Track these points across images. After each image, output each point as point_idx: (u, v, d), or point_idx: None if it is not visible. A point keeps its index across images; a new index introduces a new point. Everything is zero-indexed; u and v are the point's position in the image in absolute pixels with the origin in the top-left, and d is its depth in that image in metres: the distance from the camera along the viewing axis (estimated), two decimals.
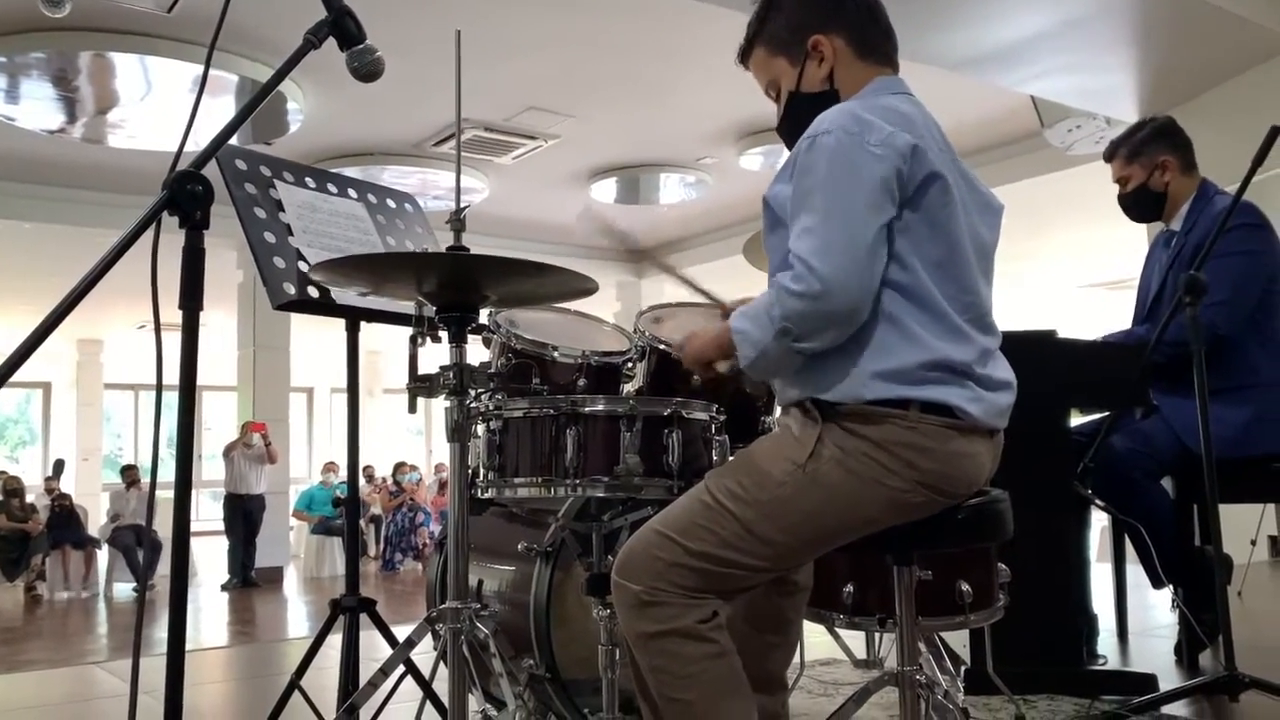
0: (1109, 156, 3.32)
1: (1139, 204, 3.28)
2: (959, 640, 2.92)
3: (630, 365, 2.33)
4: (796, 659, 2.45)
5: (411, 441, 20.05)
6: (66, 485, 13.47)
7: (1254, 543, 4.46)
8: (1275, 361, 3.07)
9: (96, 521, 12.93)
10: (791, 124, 1.80)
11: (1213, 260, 2.70)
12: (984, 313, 1.70)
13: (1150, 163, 3.22)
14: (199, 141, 1.47)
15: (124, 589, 11.55)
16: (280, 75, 1.54)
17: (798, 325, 1.55)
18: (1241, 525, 4.29)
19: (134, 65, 6.92)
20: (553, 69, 7.44)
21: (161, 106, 7.59)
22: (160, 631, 7.35)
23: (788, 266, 1.60)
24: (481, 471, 2.04)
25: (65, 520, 11.81)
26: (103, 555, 11.86)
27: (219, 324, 12.03)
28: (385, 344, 17.29)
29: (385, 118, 8.32)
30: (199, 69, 6.87)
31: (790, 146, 1.81)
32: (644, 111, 8.37)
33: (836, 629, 2.47)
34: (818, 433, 1.61)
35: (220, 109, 7.40)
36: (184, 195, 1.30)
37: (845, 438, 1.60)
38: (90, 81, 7.19)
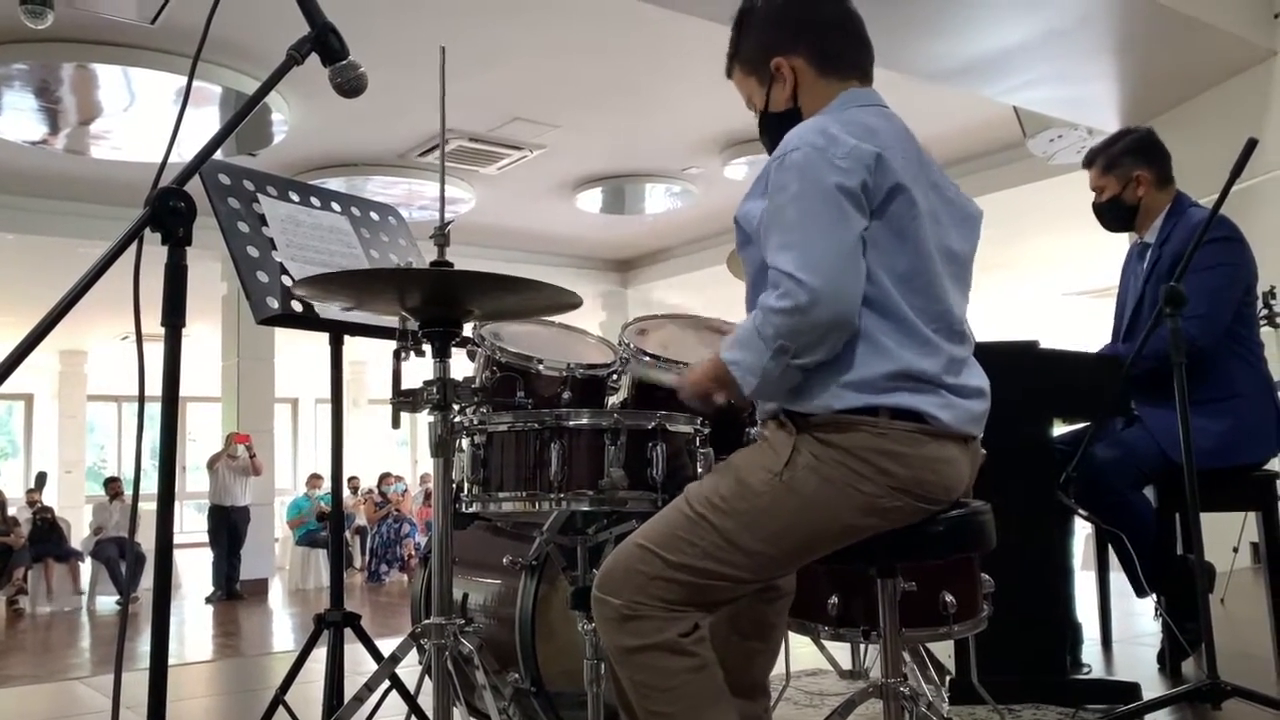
0: (1087, 163, 3.35)
1: (1112, 215, 3.32)
2: (944, 651, 2.93)
3: (615, 378, 2.33)
4: (781, 669, 2.46)
5: (397, 452, 19.98)
6: (49, 498, 13.35)
7: (1236, 550, 4.49)
8: (1252, 373, 3.10)
9: (79, 534, 12.84)
10: (767, 140, 1.87)
11: (1190, 274, 2.71)
12: (953, 322, 1.71)
13: (1125, 176, 3.25)
14: (184, 153, 1.47)
15: (107, 602, 11.45)
16: (263, 91, 1.53)
17: (793, 340, 1.56)
18: (1224, 533, 4.32)
19: (117, 76, 6.90)
20: (538, 80, 7.45)
21: (145, 118, 7.57)
22: (144, 645, 7.29)
23: (765, 282, 1.62)
24: (466, 486, 2.03)
25: (48, 533, 11.71)
26: (86, 568, 11.77)
27: (203, 335, 11.96)
28: (370, 355, 17.24)
29: (370, 129, 8.31)
30: (182, 80, 6.84)
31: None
32: (629, 122, 8.38)
33: (822, 640, 2.48)
34: (792, 442, 1.63)
35: (205, 120, 7.38)
36: (166, 212, 1.29)
37: (819, 446, 1.62)
38: (73, 92, 7.16)
